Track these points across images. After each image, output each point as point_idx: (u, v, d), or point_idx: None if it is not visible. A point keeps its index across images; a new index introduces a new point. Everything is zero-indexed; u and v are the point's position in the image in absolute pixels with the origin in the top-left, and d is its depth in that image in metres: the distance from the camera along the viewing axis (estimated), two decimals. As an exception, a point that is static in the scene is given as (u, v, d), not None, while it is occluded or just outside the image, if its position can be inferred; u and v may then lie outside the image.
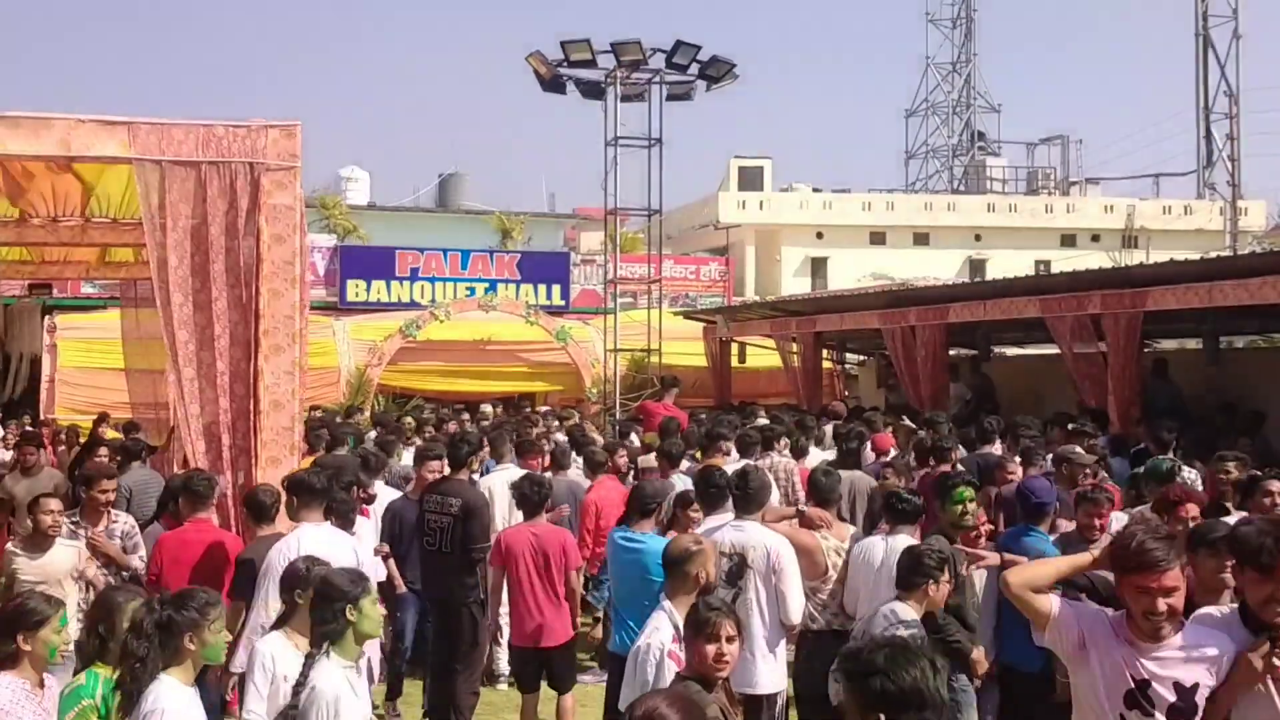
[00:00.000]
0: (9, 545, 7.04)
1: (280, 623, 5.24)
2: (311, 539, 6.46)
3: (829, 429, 13.17)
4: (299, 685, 4.54)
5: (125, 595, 4.67)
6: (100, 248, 12.49)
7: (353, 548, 6.76)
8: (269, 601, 6.19)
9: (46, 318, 20.33)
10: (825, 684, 5.79)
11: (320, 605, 4.65)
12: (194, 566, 6.98)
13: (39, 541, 6.87)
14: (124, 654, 4.33)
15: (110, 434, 14.62)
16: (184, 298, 7.07)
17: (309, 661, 4.62)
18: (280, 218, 7.13)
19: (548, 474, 9.56)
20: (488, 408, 18.76)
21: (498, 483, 9.57)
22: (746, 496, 6.77)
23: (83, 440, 13.70)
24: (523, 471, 8.85)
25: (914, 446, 10.47)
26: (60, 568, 6.84)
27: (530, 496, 7.76)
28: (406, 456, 11.61)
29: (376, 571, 7.59)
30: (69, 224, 11.22)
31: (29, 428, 16.45)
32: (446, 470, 8.58)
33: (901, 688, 3.01)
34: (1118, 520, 8.42)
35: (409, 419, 15.19)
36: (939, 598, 5.67)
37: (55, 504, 6.97)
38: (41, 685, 4.40)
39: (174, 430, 12.55)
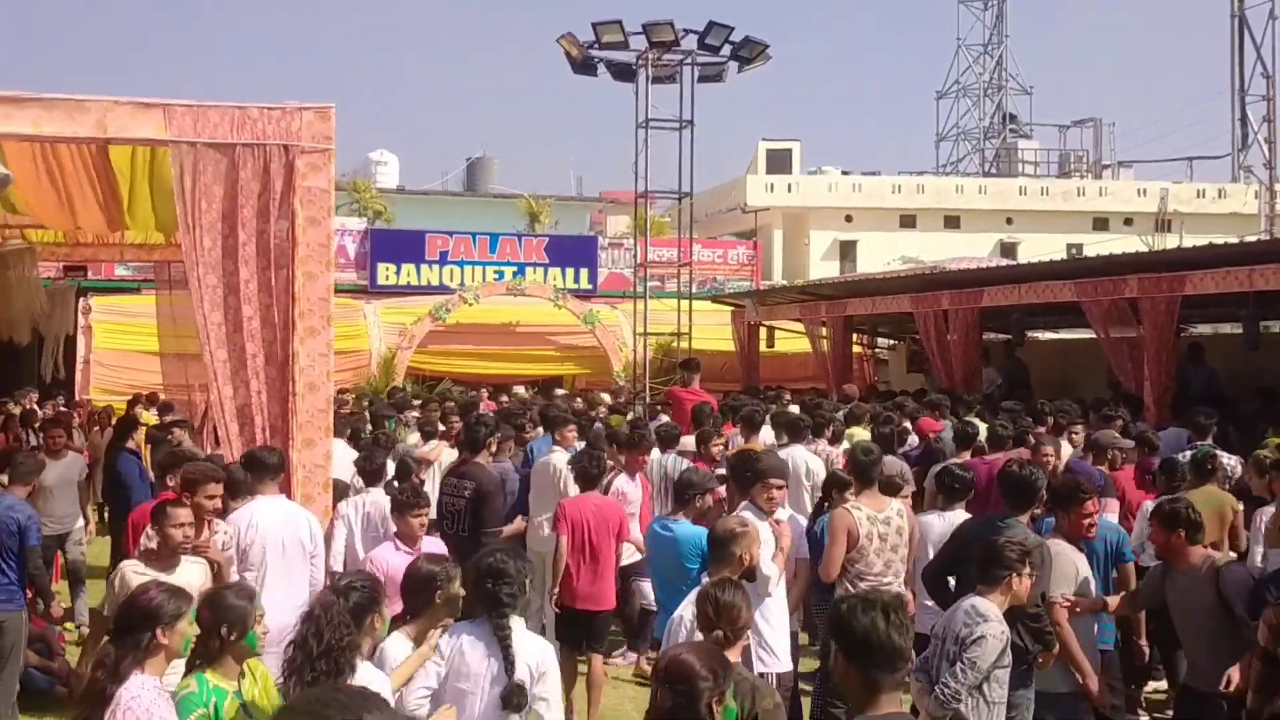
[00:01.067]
0: (130, 563, 6.22)
1: (405, 623, 5.20)
2: (265, 510, 6.78)
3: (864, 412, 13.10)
4: (511, 656, 4.68)
5: (239, 595, 4.54)
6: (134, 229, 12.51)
7: (306, 519, 6.95)
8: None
9: (81, 299, 20.47)
10: None
11: (502, 580, 4.80)
12: None
13: (166, 557, 6.12)
14: (323, 653, 4.31)
15: (145, 416, 14.72)
16: (217, 280, 7.07)
17: (507, 632, 4.72)
18: (314, 200, 7.12)
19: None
20: (520, 389, 18.81)
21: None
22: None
23: (115, 422, 13.75)
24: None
25: (955, 433, 10.50)
26: (188, 587, 5.98)
27: (590, 470, 8.31)
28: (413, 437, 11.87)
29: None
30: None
31: (62, 408, 16.59)
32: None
33: (853, 630, 3.44)
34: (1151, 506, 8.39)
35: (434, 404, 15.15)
36: (1023, 591, 5.41)
37: (185, 515, 6.20)
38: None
39: (207, 412, 12.61)
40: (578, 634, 8.11)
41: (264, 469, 6.93)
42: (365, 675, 4.45)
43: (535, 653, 4.80)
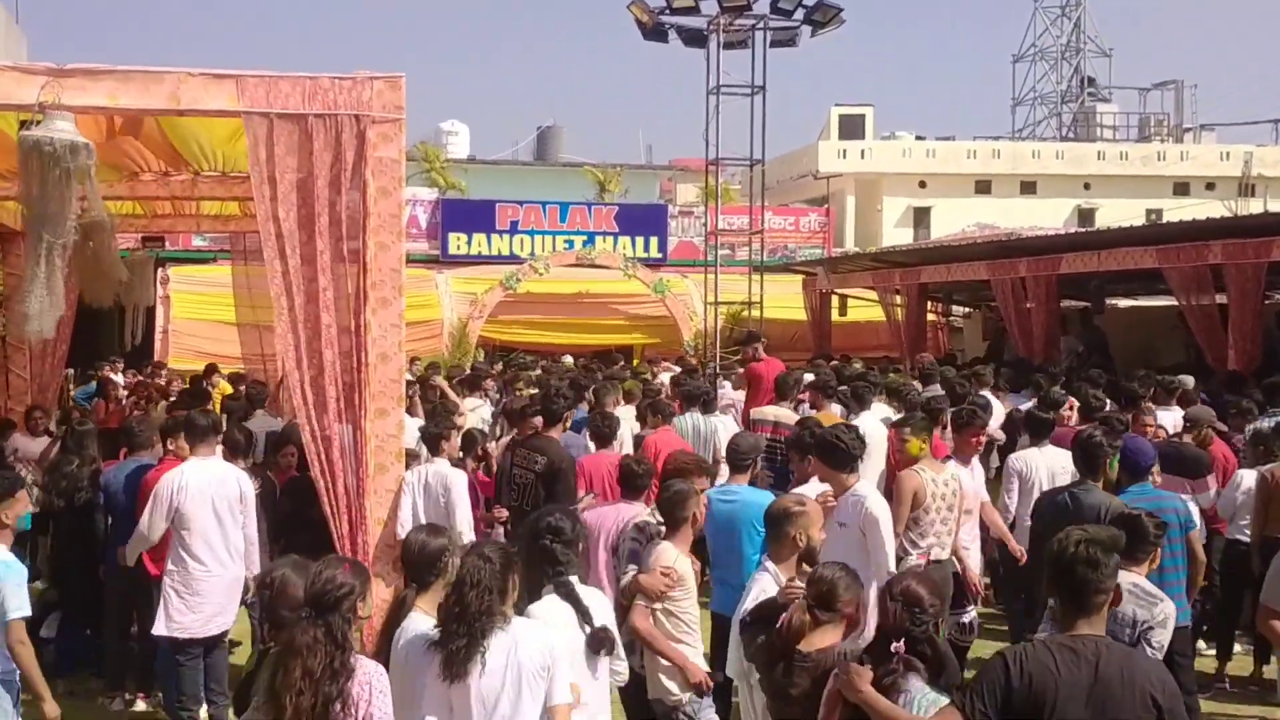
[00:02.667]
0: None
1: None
2: (194, 472, 7.23)
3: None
4: (583, 605, 4.82)
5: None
6: (210, 201, 12.64)
7: (236, 479, 7.37)
8: (152, 520, 7.11)
9: (160, 270, 20.79)
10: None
11: (559, 537, 4.93)
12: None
13: None
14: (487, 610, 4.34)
15: (222, 386, 14.93)
16: (291, 250, 7.08)
17: (569, 586, 4.84)
18: (386, 170, 7.08)
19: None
20: (568, 359, 18.81)
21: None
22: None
23: (179, 393, 13.93)
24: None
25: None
26: None
27: (602, 430, 8.88)
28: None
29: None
30: (179, 178, 11.38)
31: (143, 378, 16.89)
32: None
33: (1050, 553, 3.83)
34: (1247, 477, 8.20)
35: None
36: (1150, 566, 5.46)
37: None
38: None
39: (282, 381, 12.74)
40: None
41: (195, 430, 7.43)
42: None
43: (601, 603, 4.99)
